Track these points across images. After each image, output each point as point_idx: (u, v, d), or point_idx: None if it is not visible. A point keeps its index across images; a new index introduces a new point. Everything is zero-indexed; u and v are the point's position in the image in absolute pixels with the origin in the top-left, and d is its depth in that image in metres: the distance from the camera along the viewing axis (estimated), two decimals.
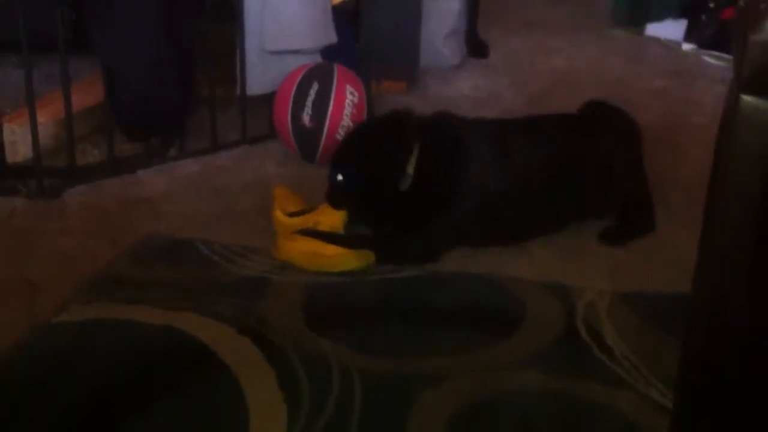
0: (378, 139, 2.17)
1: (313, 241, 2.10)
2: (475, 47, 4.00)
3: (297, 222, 2.16)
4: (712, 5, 4.26)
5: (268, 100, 2.85)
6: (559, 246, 2.20)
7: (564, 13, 4.92)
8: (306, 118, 2.68)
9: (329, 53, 2.96)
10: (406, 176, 2.10)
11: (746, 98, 1.12)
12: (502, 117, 2.52)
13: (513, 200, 2.18)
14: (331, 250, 2.09)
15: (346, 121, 2.67)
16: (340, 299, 1.96)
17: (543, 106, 3.05)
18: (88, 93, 2.76)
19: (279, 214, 2.19)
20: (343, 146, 2.23)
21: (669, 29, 4.39)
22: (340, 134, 2.62)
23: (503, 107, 3.25)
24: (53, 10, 2.40)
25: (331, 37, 2.96)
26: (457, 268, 2.09)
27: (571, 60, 4.01)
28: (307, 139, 2.70)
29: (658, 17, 4.44)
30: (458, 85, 3.58)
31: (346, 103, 2.69)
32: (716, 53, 4.10)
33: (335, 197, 2.15)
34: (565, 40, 4.35)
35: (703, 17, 4.27)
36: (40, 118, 2.51)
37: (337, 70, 2.75)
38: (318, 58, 2.93)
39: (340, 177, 2.14)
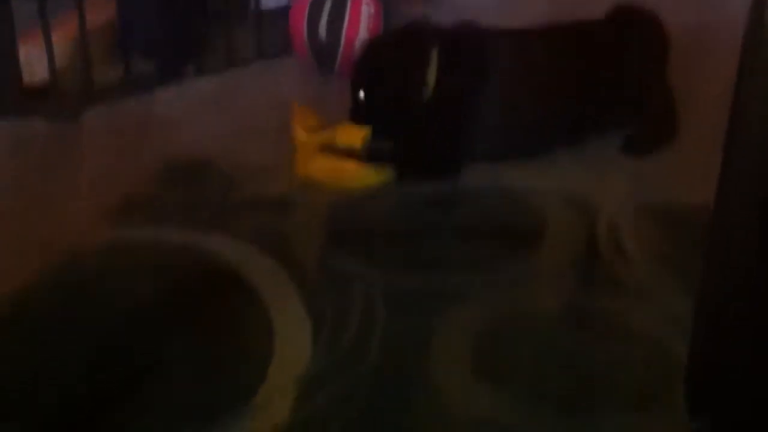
0: (395, 50, 2.14)
1: (334, 158, 2.09)
2: None
3: (317, 139, 2.15)
4: None
5: (283, 14, 2.80)
6: (581, 158, 2.18)
7: None
8: (322, 32, 2.63)
9: None
10: (426, 86, 2.07)
11: None
12: (525, 26, 2.46)
13: (535, 110, 2.16)
14: (351, 166, 2.08)
15: (363, 33, 2.63)
16: (362, 216, 1.97)
17: (569, 13, 2.97)
18: (102, 11, 2.72)
19: (299, 131, 2.18)
20: (361, 61, 2.20)
21: None
22: (357, 46, 2.58)
23: (527, 15, 3.16)
24: None
25: None
26: (478, 182, 2.08)
27: None
28: (324, 53, 2.66)
29: None
30: None
31: (362, 15, 2.64)
32: None
33: (357, 114, 2.13)
34: None
35: None
36: (55, 38, 2.49)
37: None
38: None
39: (361, 94, 2.12)
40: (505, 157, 2.16)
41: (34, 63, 2.58)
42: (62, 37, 2.63)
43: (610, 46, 2.24)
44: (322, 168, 2.09)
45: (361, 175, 2.07)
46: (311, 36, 2.65)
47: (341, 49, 2.63)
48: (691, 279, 1.34)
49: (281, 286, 1.70)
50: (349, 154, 2.09)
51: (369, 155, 2.10)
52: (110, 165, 2.20)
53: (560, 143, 2.22)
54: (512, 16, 3.11)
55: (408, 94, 2.08)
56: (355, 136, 2.11)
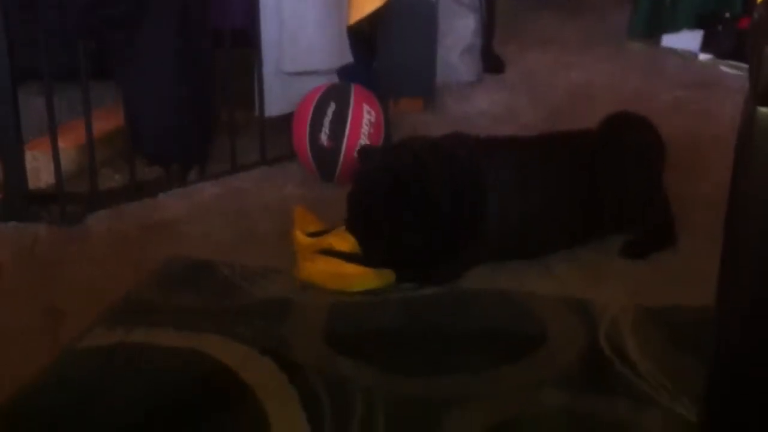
0: (392, 164, 2.14)
1: (334, 261, 2.10)
2: (492, 63, 4.01)
3: (317, 242, 2.16)
4: (728, 15, 4.25)
5: (286, 121, 2.87)
6: (579, 261, 2.20)
7: (580, 28, 4.92)
8: (324, 138, 2.69)
9: (346, 73, 2.98)
10: (426, 206, 2.09)
11: (763, 110, 1.11)
12: (520, 134, 2.51)
13: (533, 220, 2.18)
14: (351, 269, 2.09)
15: (364, 140, 2.68)
16: (362, 319, 1.96)
17: (561, 121, 3.05)
18: (109, 119, 2.79)
19: (299, 234, 2.20)
20: (358, 176, 2.18)
21: (685, 40, 4.38)
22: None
23: (521, 123, 3.25)
24: (75, 41, 2.44)
25: (348, 57, 2.97)
26: (477, 285, 2.09)
27: (588, 74, 4.00)
28: (325, 159, 2.71)
29: (674, 28, 4.43)
30: (475, 101, 3.59)
31: (364, 123, 2.70)
32: (734, 63, 4.08)
33: (354, 225, 2.13)
34: (582, 54, 4.35)
35: (720, 27, 4.25)
36: (62, 145, 2.54)
37: (354, 89, 2.76)
38: (335, 78, 2.95)
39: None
40: (505, 260, 2.18)
41: (40, 168, 2.63)
42: (69, 143, 2.69)
43: (607, 155, 2.28)
44: (322, 271, 2.10)
45: (361, 279, 2.08)
46: (313, 142, 2.71)
47: (342, 156, 2.68)
48: (694, 382, 1.34)
49: (281, 390, 1.69)
50: (349, 257, 2.11)
51: (367, 259, 2.11)
52: (112, 267, 2.21)
53: (559, 247, 2.24)
54: (508, 124, 3.19)
55: (405, 205, 2.08)
56: (351, 241, 2.12)
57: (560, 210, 2.22)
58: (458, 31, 3.75)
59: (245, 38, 2.87)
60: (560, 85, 3.84)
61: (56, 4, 2.54)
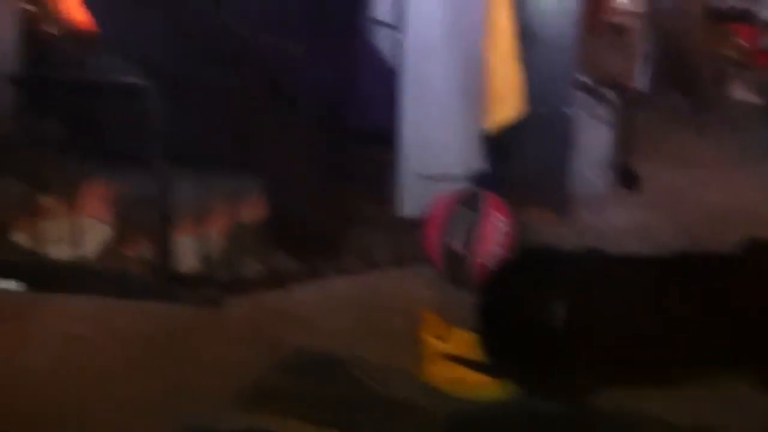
0: (523, 278, 2.17)
1: (459, 367, 2.12)
2: (627, 178, 3.98)
3: (444, 347, 2.19)
4: None
5: (419, 222, 2.93)
6: (710, 390, 2.13)
7: (719, 145, 4.84)
8: (455, 244, 2.74)
9: (479, 179, 3.04)
10: (553, 313, 2.10)
11: None
12: (652, 252, 2.49)
13: (658, 338, 2.14)
14: (476, 377, 2.10)
15: (495, 249, 2.71)
16: (481, 428, 1.97)
17: (697, 242, 2.99)
18: (252, 209, 2.92)
19: (427, 337, 2.23)
20: (488, 287, 2.23)
21: None
22: (489, 261, 2.66)
23: (654, 241, 3.21)
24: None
25: (481, 164, 3.03)
26: (598, 403, 2.06)
27: (726, 194, 3.92)
28: (455, 265, 2.75)
29: None
30: (608, 215, 3.56)
31: (495, 231, 2.74)
32: None
33: (486, 341, 2.15)
34: (720, 172, 4.26)
35: None
36: (208, 230, 2.68)
37: (487, 196, 2.81)
38: (467, 184, 3.01)
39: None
40: (629, 384, 2.14)
41: (186, 251, 2.77)
42: (214, 229, 2.83)
43: (745, 283, 2.22)
44: (447, 376, 2.12)
45: (485, 387, 2.09)
46: (444, 246, 2.76)
47: (472, 262, 2.71)
48: None
49: None
50: (475, 364, 2.12)
51: (492, 368, 2.12)
52: (244, 352, 2.29)
53: (687, 375, 2.18)
54: (640, 240, 3.15)
55: (535, 319, 2.09)
56: (477, 348, 2.14)
57: (687, 331, 2.17)
58: (593, 144, 3.75)
59: (384, 138, 2.98)
60: (697, 203, 3.77)
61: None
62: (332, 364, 2.23)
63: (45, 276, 2.64)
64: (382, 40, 3.07)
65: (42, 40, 3.15)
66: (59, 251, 2.71)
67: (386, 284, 2.80)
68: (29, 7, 3.21)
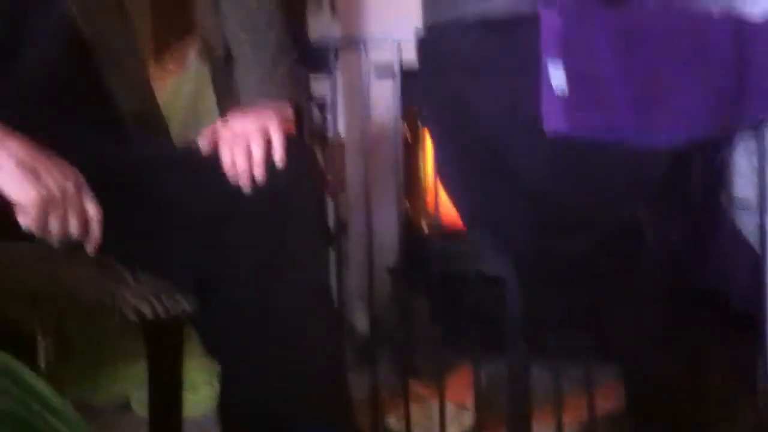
0: None
1: None
2: None
3: None
4: None
5: None
6: None
7: None
8: None
9: None
10: None
11: None
12: None
13: None
14: None
15: None
16: None
17: None
18: (609, 398, 2.89)
19: None
20: None
21: None
22: None
23: None
24: None
25: None
26: None
27: None
28: None
29: None
30: None
31: None
32: None
33: None
34: None
35: None
36: (566, 420, 2.70)
37: None
38: None
39: None
40: None
41: None
42: (572, 419, 2.83)
43: None
44: None
45: None
46: None
47: None
48: None
49: None
50: None
51: None
52: None
53: None
54: None
55: None
56: None
57: None
58: None
59: (749, 325, 2.80)
60: None
61: None
62: None
63: None
64: (743, 222, 2.95)
65: (415, 235, 3.47)
66: None
67: None
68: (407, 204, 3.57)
